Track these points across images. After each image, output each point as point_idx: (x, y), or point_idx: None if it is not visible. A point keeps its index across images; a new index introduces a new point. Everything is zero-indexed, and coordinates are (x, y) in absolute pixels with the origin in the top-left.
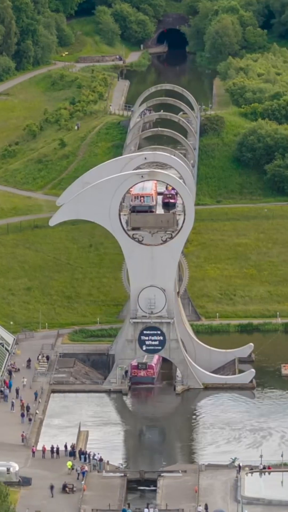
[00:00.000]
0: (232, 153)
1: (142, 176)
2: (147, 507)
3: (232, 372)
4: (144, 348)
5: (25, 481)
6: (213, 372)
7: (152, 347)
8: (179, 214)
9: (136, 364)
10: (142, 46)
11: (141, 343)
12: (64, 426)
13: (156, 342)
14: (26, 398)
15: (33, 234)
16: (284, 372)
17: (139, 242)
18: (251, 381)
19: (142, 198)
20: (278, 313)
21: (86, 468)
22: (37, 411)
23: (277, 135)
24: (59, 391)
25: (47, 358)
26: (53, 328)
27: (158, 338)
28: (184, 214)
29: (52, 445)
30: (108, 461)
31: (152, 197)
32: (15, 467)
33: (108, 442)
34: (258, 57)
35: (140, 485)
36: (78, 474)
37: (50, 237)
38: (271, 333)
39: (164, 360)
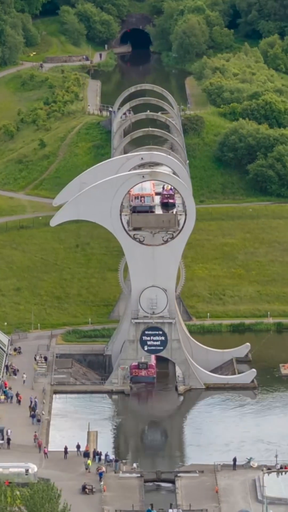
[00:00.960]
0: (214, 153)
1: (143, 176)
2: (171, 508)
3: (231, 372)
4: (146, 348)
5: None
6: (211, 372)
7: (153, 348)
8: (180, 214)
9: (136, 364)
10: (106, 46)
11: (143, 343)
12: (72, 427)
13: (158, 343)
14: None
15: (19, 235)
16: (284, 372)
17: (140, 242)
18: (253, 381)
19: (142, 198)
20: (268, 313)
21: (103, 469)
22: (43, 412)
23: (259, 134)
24: (61, 392)
25: (45, 358)
26: (45, 329)
27: (160, 338)
28: (186, 214)
29: (66, 446)
30: (124, 462)
31: (152, 197)
32: (33, 468)
33: (116, 443)
34: (230, 57)
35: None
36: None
37: (36, 237)
38: (263, 333)
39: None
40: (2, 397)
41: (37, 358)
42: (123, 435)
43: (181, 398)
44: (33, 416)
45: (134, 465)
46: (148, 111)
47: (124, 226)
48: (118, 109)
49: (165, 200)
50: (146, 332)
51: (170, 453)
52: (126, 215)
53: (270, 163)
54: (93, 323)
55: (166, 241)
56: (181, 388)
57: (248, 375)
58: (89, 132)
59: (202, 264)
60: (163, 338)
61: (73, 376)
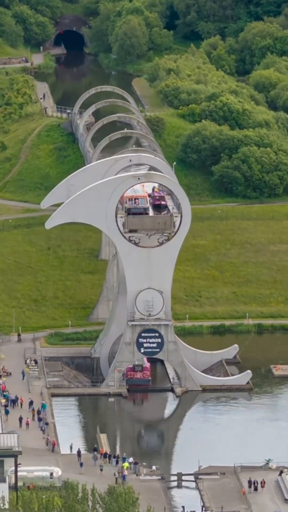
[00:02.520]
0: (176, 155)
1: (138, 178)
2: (204, 510)
3: (224, 373)
4: (142, 350)
5: None
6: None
7: (150, 350)
8: (176, 216)
9: (131, 366)
10: (41, 48)
11: (139, 345)
12: (78, 429)
13: (154, 345)
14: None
15: None
16: (277, 373)
17: (136, 244)
18: (248, 383)
19: (136, 200)
20: (247, 314)
21: (126, 472)
22: (45, 415)
23: (222, 136)
24: (59, 395)
25: (35, 362)
26: (26, 332)
27: (156, 340)
28: (181, 216)
29: (79, 449)
30: (144, 464)
31: (146, 199)
32: (57, 471)
33: (124, 445)
34: (177, 58)
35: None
36: (117, 478)
37: (7, 240)
38: (244, 334)
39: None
40: (3, 400)
41: (28, 361)
42: (129, 438)
43: (179, 400)
44: (39, 420)
45: (154, 467)
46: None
47: (120, 228)
48: (79, 111)
49: (157, 202)
50: (143, 334)
51: (183, 455)
52: (121, 217)
53: (236, 165)
54: (73, 325)
55: (162, 243)
56: (178, 390)
57: (244, 377)
58: (50, 134)
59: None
60: (159, 340)
61: (66, 379)
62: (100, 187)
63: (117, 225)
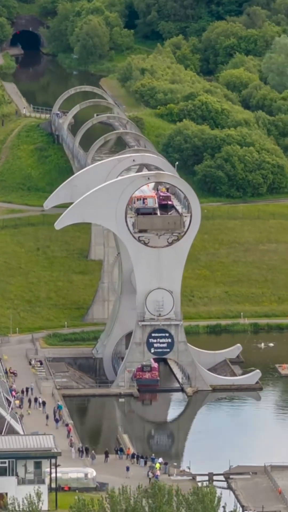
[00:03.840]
0: None
1: (148, 178)
2: (245, 510)
3: (230, 373)
4: (152, 350)
5: (102, 486)
6: None
7: (160, 350)
8: (186, 216)
9: (140, 366)
10: None
11: (149, 345)
12: (97, 430)
13: (165, 345)
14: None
15: None
16: (283, 372)
17: (145, 244)
18: (257, 382)
19: (145, 200)
20: (242, 313)
21: (158, 472)
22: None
23: (204, 135)
24: (70, 396)
25: (40, 362)
26: (23, 333)
27: (167, 340)
28: (191, 215)
29: (106, 450)
30: (174, 465)
31: (155, 199)
32: (92, 472)
33: (146, 445)
34: (144, 57)
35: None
36: (150, 478)
37: None
38: (240, 333)
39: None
40: (17, 402)
41: (33, 362)
42: (149, 438)
43: (189, 400)
44: (56, 421)
45: (185, 467)
46: (96, 114)
47: (130, 229)
48: (60, 111)
49: (164, 202)
50: (153, 335)
51: (210, 454)
52: (131, 217)
53: (219, 164)
54: (69, 326)
55: (171, 243)
56: (189, 390)
57: (253, 376)
58: (30, 135)
59: None
60: (169, 340)
61: (73, 379)
62: (109, 187)
63: (127, 225)
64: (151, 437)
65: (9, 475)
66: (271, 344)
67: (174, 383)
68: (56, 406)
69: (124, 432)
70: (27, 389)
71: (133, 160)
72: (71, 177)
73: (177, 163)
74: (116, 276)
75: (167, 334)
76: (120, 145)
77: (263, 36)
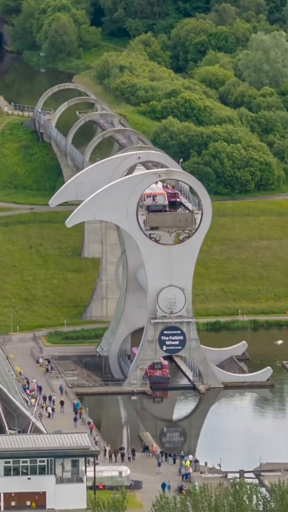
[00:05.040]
0: None
1: (159, 175)
2: None
3: (238, 370)
4: (164, 348)
5: (136, 485)
6: None
7: (172, 347)
8: (197, 213)
9: (151, 364)
10: None
11: (161, 343)
12: (115, 428)
13: (177, 342)
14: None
15: None
16: None
17: (156, 241)
18: (268, 379)
19: (155, 198)
20: (240, 310)
21: (190, 470)
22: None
23: (190, 132)
24: (83, 394)
25: (48, 361)
26: (22, 332)
27: (179, 338)
28: (202, 212)
29: (133, 448)
30: (206, 462)
31: (165, 196)
32: (126, 470)
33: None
34: (118, 54)
35: None
36: (183, 475)
37: None
38: (240, 331)
39: None
40: (33, 400)
41: (40, 361)
42: (170, 435)
43: (203, 397)
44: (75, 420)
45: (215, 465)
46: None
47: (141, 226)
48: (43, 109)
49: (172, 199)
50: (165, 332)
51: (234, 452)
52: (142, 214)
53: (206, 161)
54: (68, 324)
55: (182, 240)
56: (201, 387)
57: (265, 373)
58: (14, 133)
59: None
60: (181, 337)
61: (84, 378)
62: (121, 184)
63: (138, 223)
64: (175, 435)
65: (48, 473)
66: (280, 342)
67: (184, 380)
68: (74, 404)
69: (143, 430)
70: (40, 388)
71: (139, 158)
72: (76, 175)
73: (181, 160)
74: (113, 273)
75: (179, 332)
76: (108, 143)
77: (234, 33)
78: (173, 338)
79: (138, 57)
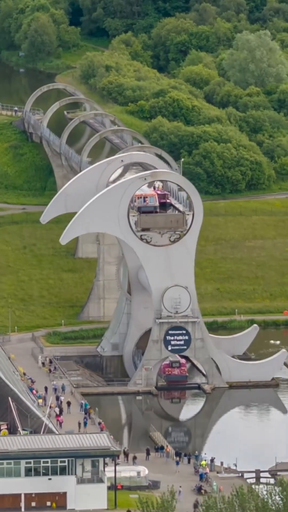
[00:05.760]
0: None
1: (145, 179)
2: None
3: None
4: (169, 348)
5: (154, 485)
6: None
7: (177, 347)
8: (188, 214)
9: (168, 362)
10: None
11: (167, 343)
12: (123, 428)
13: (182, 342)
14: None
15: None
16: None
17: (148, 242)
18: (273, 379)
19: (146, 199)
20: (236, 310)
21: (207, 469)
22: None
23: (181, 132)
24: (88, 394)
25: (50, 361)
26: (21, 332)
27: (184, 337)
28: (193, 212)
29: (147, 448)
30: (222, 462)
31: (155, 197)
32: (144, 470)
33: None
34: (95, 54)
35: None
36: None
37: None
38: (237, 330)
39: None
40: (40, 400)
41: (43, 361)
42: (182, 435)
43: (209, 396)
44: (85, 420)
45: (231, 465)
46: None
47: (132, 227)
48: (32, 109)
49: (162, 200)
50: (170, 332)
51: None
52: (133, 215)
53: (197, 160)
54: (66, 324)
55: (174, 241)
56: (207, 387)
57: (281, 356)
58: (3, 133)
59: None
60: (186, 337)
61: (87, 378)
62: (108, 194)
63: (131, 227)
64: (180, 434)
65: (68, 474)
66: (278, 342)
67: (201, 379)
68: (81, 404)
69: (154, 430)
70: (46, 388)
71: (122, 161)
72: (63, 188)
73: (182, 159)
74: (109, 273)
75: (184, 331)
76: (100, 143)
77: (215, 32)
78: (178, 338)
79: (121, 57)
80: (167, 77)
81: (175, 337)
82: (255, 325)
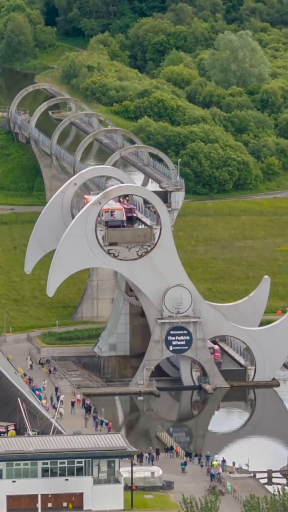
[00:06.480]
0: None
1: (99, 203)
2: None
3: None
4: (171, 348)
5: (168, 485)
6: None
7: (179, 347)
8: (155, 228)
9: None
10: None
11: (168, 343)
12: (129, 428)
13: (183, 342)
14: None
15: None
16: None
17: (115, 257)
18: (273, 379)
19: (113, 213)
20: None
21: (220, 470)
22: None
23: (167, 132)
24: (90, 395)
25: (48, 362)
26: (16, 332)
27: (185, 338)
28: (161, 226)
29: (157, 448)
30: (234, 462)
31: (123, 211)
32: (158, 471)
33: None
34: (77, 54)
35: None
36: (213, 475)
37: None
38: None
39: None
40: (44, 401)
41: (41, 361)
42: (185, 435)
43: (211, 397)
44: (94, 418)
45: (243, 465)
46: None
47: (100, 242)
48: (18, 109)
49: (129, 214)
50: (171, 332)
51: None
52: (101, 230)
53: (185, 161)
54: (60, 325)
55: (141, 256)
56: (208, 387)
57: None
58: None
59: None
60: (188, 337)
61: (87, 378)
62: (72, 232)
63: (98, 241)
64: (182, 434)
65: (85, 474)
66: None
67: (234, 365)
68: (87, 405)
69: (161, 430)
70: (56, 388)
71: (75, 184)
72: (32, 232)
73: (179, 159)
74: (103, 274)
75: (185, 332)
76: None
77: (193, 32)
78: (179, 338)
79: (101, 57)
80: (148, 77)
81: (177, 337)
82: (266, 276)
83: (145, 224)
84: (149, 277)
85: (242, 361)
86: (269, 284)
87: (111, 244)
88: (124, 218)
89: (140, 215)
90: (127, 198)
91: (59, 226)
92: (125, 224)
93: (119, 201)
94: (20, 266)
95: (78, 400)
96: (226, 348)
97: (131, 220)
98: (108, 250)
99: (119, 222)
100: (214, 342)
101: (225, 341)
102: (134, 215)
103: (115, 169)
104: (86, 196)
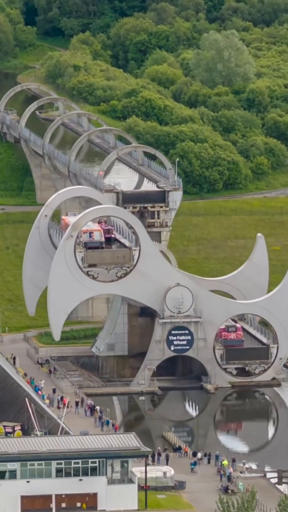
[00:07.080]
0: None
1: (71, 236)
2: None
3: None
4: (172, 348)
5: (180, 485)
6: None
7: (180, 347)
8: (134, 249)
9: (224, 327)
10: None
11: (169, 343)
12: (132, 428)
13: (184, 342)
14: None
15: None
16: None
17: (94, 278)
18: (274, 378)
19: (92, 234)
20: None
21: (231, 469)
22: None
23: (156, 132)
24: (92, 395)
25: (47, 361)
26: (12, 332)
27: (186, 337)
28: (140, 248)
29: (165, 448)
30: (244, 462)
31: (101, 232)
32: (170, 471)
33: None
34: (62, 54)
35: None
36: (223, 474)
37: None
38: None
39: None
40: (47, 401)
41: (40, 362)
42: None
43: (212, 396)
44: (100, 419)
45: (253, 465)
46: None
47: (79, 263)
48: (6, 109)
49: (107, 235)
50: (173, 332)
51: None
52: (80, 251)
53: (174, 160)
54: None
55: (120, 277)
56: (210, 387)
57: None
58: None
59: None
60: (189, 337)
61: (88, 378)
62: (55, 273)
63: (77, 263)
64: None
65: (99, 475)
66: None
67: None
68: (90, 405)
69: (167, 430)
70: (53, 389)
71: (45, 216)
72: (22, 274)
73: (177, 159)
74: None
75: (186, 331)
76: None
77: (175, 32)
78: (180, 338)
79: (84, 56)
80: (132, 76)
81: (178, 337)
82: (259, 234)
83: (124, 246)
84: (143, 287)
85: (264, 340)
86: (264, 241)
87: (90, 265)
88: (103, 239)
89: (118, 236)
90: (105, 219)
91: (45, 260)
92: (103, 246)
93: (98, 222)
94: (13, 266)
95: (88, 406)
96: (246, 327)
97: (110, 241)
98: (87, 272)
99: (97, 243)
100: (235, 321)
101: (245, 320)
102: (113, 236)
103: (90, 189)
104: (63, 217)
